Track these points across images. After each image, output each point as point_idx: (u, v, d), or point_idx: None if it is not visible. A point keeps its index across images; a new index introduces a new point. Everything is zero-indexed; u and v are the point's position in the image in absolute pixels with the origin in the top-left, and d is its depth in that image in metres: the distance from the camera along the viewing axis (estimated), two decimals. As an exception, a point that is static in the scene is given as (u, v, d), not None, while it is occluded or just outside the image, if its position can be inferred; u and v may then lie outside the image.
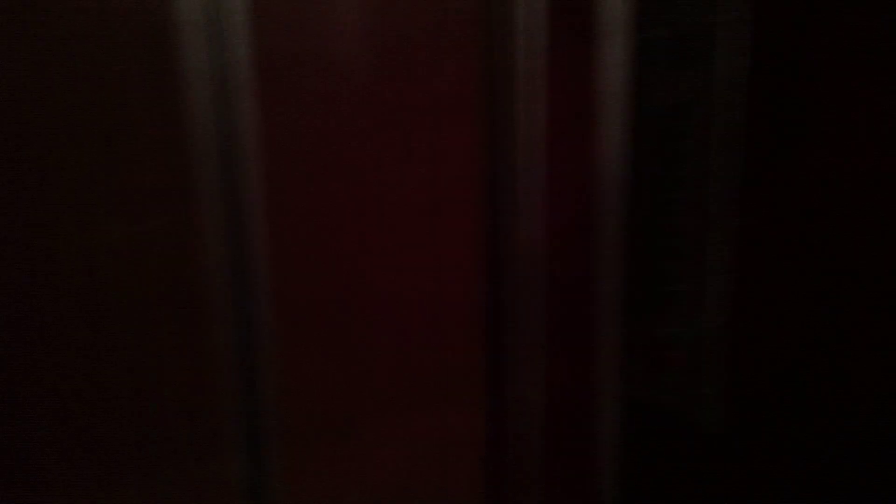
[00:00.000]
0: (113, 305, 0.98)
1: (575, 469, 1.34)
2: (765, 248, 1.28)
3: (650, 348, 1.39)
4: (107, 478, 1.01)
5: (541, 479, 1.31)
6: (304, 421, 1.14)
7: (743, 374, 1.30)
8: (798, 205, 1.25)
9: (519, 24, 1.18)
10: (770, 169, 1.28)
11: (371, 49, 1.12)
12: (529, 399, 1.28)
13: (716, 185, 1.27)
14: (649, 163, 1.40)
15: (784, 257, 1.26)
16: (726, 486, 1.32)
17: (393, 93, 1.15)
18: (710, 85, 1.30)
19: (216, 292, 1.03)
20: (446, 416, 1.28)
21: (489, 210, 1.27)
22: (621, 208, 1.27)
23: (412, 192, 1.19)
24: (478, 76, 1.22)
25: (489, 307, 1.29)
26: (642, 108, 1.29)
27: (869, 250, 1.31)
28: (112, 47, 0.94)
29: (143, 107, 0.97)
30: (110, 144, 0.95)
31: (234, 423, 1.07)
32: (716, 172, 1.27)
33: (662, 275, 1.37)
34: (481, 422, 1.31)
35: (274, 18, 1.03)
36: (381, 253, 1.17)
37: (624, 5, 1.21)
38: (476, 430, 1.31)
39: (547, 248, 1.25)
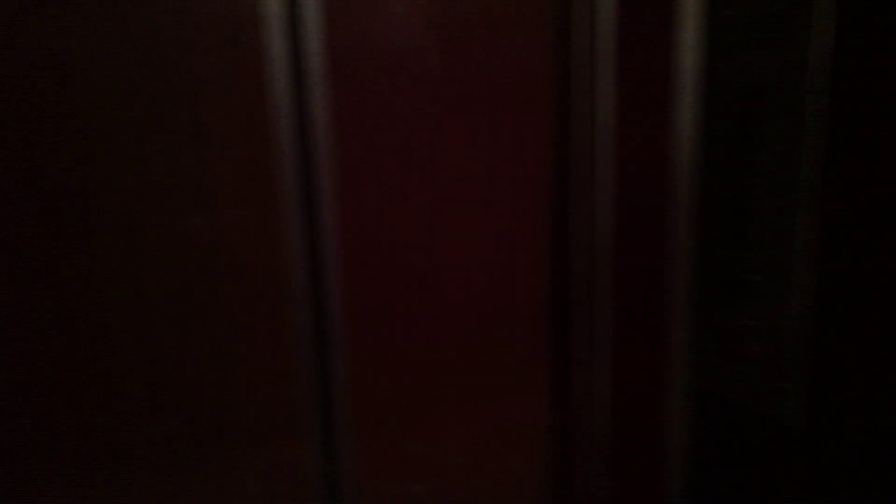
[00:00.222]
0: (193, 293, 1.02)
1: (642, 462, 1.32)
2: (851, 237, 1.22)
3: (725, 340, 1.34)
4: (187, 461, 1.05)
5: (606, 471, 1.29)
6: (375, 408, 1.16)
7: (827, 367, 1.24)
8: (888, 191, 1.18)
9: (594, 4, 1.16)
10: (857, 153, 1.21)
11: (442, 37, 1.12)
12: (596, 390, 1.26)
13: (798, 171, 1.21)
14: (725, 148, 1.35)
15: (872, 246, 1.19)
16: (806, 484, 1.27)
17: (463, 81, 1.14)
18: (791, 66, 1.24)
19: (291, 281, 1.06)
20: (513, 406, 1.27)
21: (558, 198, 1.25)
22: (695, 195, 1.23)
23: (481, 180, 1.19)
24: (549, 60, 1.20)
25: (557, 297, 1.28)
26: (719, 92, 1.24)
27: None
28: (196, 44, 0.97)
29: (225, 100, 0.99)
30: (194, 137, 0.98)
31: (309, 410, 1.09)
32: (799, 158, 1.21)
33: (739, 264, 1.32)
34: (547, 412, 1.30)
35: (347, 9, 1.04)
36: (451, 241, 1.18)
37: (700, -16, 1.17)
38: (542, 420, 1.30)
39: (617, 237, 1.22)
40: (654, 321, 1.27)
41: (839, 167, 1.22)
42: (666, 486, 1.33)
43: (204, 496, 1.07)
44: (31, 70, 0.90)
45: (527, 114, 1.20)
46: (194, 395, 1.04)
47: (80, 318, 0.96)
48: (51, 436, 0.97)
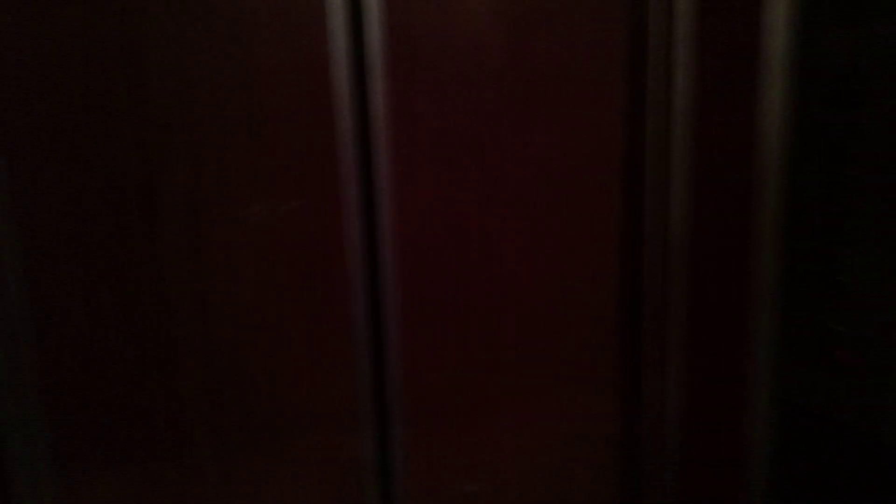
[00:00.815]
0: (252, 282, 1.02)
1: (717, 475, 1.22)
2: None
3: (815, 346, 1.23)
4: (244, 447, 1.06)
5: (677, 484, 1.21)
6: (430, 402, 1.13)
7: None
8: None
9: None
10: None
11: (508, 24, 1.07)
12: (668, 394, 1.18)
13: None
14: (820, 135, 1.23)
15: None
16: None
17: (530, 68, 1.09)
18: (891, 44, 1.10)
19: (348, 272, 1.04)
20: (577, 409, 1.21)
21: (630, 188, 1.17)
22: (783, 187, 1.12)
23: (548, 170, 1.13)
24: (623, 42, 1.12)
25: (627, 293, 1.20)
26: (813, 72, 1.13)
27: None
28: (259, 34, 0.96)
29: (287, 90, 0.99)
30: (256, 127, 0.98)
31: (363, 402, 1.08)
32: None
33: (832, 263, 1.20)
34: (614, 417, 1.23)
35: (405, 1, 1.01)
36: (512, 232, 1.13)
37: (793, -47, 1.06)
38: (607, 424, 1.23)
39: (694, 230, 1.14)
40: (734, 322, 1.18)
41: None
42: (744, 500, 1.23)
43: (259, 482, 1.08)
44: (107, 67, 0.92)
45: (598, 100, 1.13)
46: (251, 383, 1.05)
47: (146, 306, 0.99)
48: (121, 421, 1.00)
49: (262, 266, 1.02)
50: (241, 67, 0.97)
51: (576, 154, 1.14)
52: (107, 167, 0.94)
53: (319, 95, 1.00)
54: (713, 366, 1.18)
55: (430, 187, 1.08)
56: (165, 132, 0.95)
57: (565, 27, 1.10)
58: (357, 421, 1.08)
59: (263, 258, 1.02)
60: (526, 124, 1.11)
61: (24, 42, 0.89)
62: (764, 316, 1.15)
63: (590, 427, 1.22)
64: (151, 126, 0.95)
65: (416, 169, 1.06)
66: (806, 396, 1.21)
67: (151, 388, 1.01)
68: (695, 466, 1.21)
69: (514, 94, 1.10)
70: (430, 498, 1.15)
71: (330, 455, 1.09)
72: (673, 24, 1.08)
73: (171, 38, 0.94)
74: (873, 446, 1.16)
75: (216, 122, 0.97)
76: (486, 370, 1.16)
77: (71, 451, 0.99)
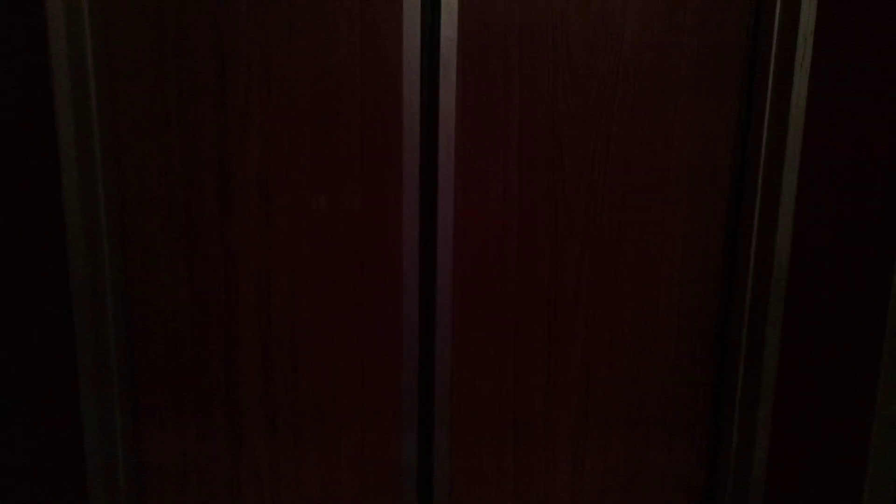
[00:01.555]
0: (310, 275, 1.04)
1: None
2: None
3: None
4: (292, 437, 1.08)
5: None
6: (478, 412, 1.08)
7: None
8: None
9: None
10: None
11: (594, 17, 0.98)
12: (754, 446, 1.02)
13: None
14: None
15: None
16: None
17: (621, 65, 0.99)
18: None
19: (404, 272, 1.02)
20: (641, 444, 1.09)
21: (731, 207, 1.03)
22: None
23: (634, 181, 1.02)
24: (738, 39, 0.98)
25: (719, 325, 1.06)
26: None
27: None
28: (334, 33, 0.97)
29: (357, 88, 0.99)
30: (327, 122, 1.00)
31: (409, 403, 1.06)
32: None
33: None
34: (684, 459, 1.09)
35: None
36: (588, 247, 1.04)
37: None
38: (676, 466, 1.10)
39: (800, 257, 0.97)
40: (846, 379, 0.99)
41: None
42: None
43: (303, 471, 1.10)
44: (197, 61, 0.99)
45: (704, 104, 1.00)
46: (302, 370, 1.07)
47: (215, 280, 1.04)
48: (185, 378, 1.08)
49: (321, 255, 1.03)
50: (316, 64, 0.98)
51: (669, 168, 1.02)
52: (191, 149, 1.01)
53: (389, 94, 0.99)
54: (810, 418, 1.00)
55: (497, 192, 1.02)
56: (243, 121, 1.00)
57: (666, 19, 0.98)
58: (401, 424, 1.06)
59: (323, 248, 1.03)
60: (610, 131, 1.01)
61: (133, 39, 0.98)
62: (884, 369, 0.95)
63: (660, 467, 1.10)
64: (231, 114, 1.00)
65: (483, 173, 1.01)
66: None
67: (213, 360, 1.07)
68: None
69: (601, 95, 1.00)
70: (465, 512, 1.10)
71: (372, 455, 1.08)
72: (799, 18, 0.92)
73: (254, 36, 0.98)
74: None
75: (288, 115, 1.00)
76: (546, 390, 1.08)
77: (135, 408, 1.09)
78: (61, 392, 1.01)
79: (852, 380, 0.98)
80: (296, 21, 0.97)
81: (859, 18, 0.91)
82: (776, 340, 0.98)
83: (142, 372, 1.07)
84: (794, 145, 0.94)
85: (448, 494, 1.08)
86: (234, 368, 1.07)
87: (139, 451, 1.09)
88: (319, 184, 1.02)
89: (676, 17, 0.98)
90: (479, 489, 1.10)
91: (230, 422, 1.08)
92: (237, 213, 1.02)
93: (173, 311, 1.05)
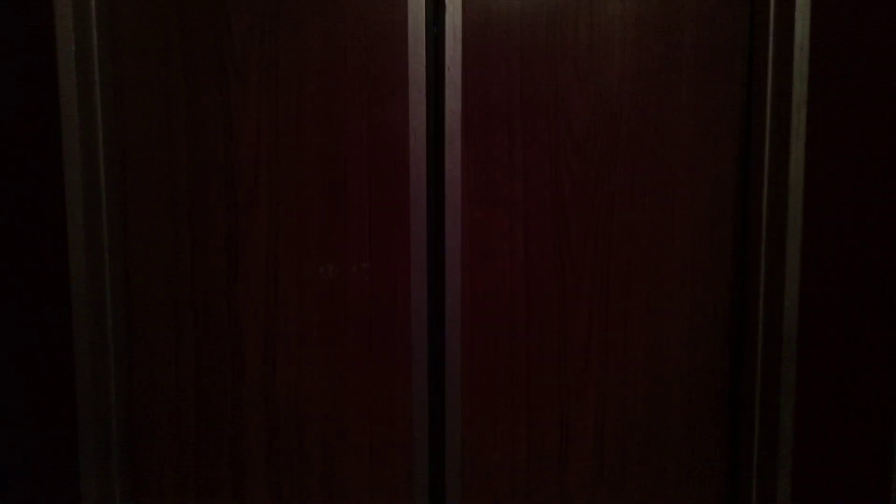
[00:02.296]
0: (318, 342, 1.04)
1: None
2: None
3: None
4: (294, 496, 1.06)
5: None
6: (495, 483, 1.06)
7: None
8: None
9: (790, 41, 0.95)
10: None
11: (594, 89, 1.01)
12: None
13: None
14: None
15: None
16: None
17: (622, 135, 1.02)
18: None
19: (412, 339, 1.02)
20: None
21: (736, 266, 1.03)
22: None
23: (640, 248, 1.03)
24: (733, 108, 1.01)
25: (730, 387, 1.05)
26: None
27: None
28: (341, 104, 1.00)
29: (365, 158, 1.01)
30: (335, 192, 1.02)
31: (419, 475, 1.04)
32: None
33: None
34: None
35: (486, 71, 0.99)
36: (598, 315, 1.04)
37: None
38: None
39: (809, 322, 0.96)
40: (864, 441, 0.97)
41: None
42: None
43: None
44: (206, 133, 1.02)
45: (704, 171, 1.02)
46: (308, 436, 1.05)
47: (221, 346, 1.04)
48: (187, 445, 1.06)
49: (328, 322, 1.04)
50: (325, 135, 1.01)
51: (673, 231, 1.03)
52: (200, 216, 1.03)
53: (397, 164, 1.01)
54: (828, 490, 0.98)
55: (502, 259, 1.03)
56: (252, 192, 1.02)
57: (665, 91, 1.01)
58: (411, 491, 1.04)
59: (331, 314, 1.03)
60: (614, 197, 1.03)
61: (143, 120, 1.01)
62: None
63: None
64: (240, 186, 1.02)
65: (488, 240, 1.02)
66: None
67: (217, 419, 1.05)
68: None
69: (601, 164, 1.02)
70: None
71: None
72: (791, 87, 0.95)
73: (264, 107, 1.01)
74: None
75: (297, 184, 1.02)
76: (558, 457, 1.07)
77: (139, 463, 1.07)
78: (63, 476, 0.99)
79: (873, 448, 0.96)
80: (305, 97, 1.00)
81: (854, 88, 0.94)
82: (790, 400, 0.97)
83: (143, 450, 1.06)
84: (795, 207, 0.95)
85: (461, 569, 1.05)
86: (239, 430, 1.06)
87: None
88: (327, 251, 1.03)
89: (676, 88, 1.01)
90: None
91: (235, 494, 1.07)
92: (245, 281, 1.03)
93: (181, 378, 1.05)
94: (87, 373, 0.97)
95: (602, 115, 1.02)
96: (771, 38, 0.98)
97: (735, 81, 1.02)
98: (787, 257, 0.95)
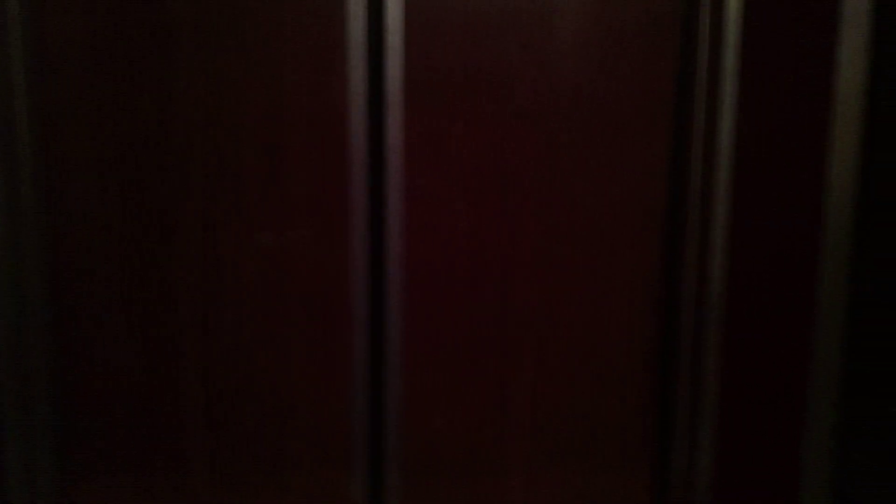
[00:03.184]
0: (257, 309, 1.03)
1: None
2: None
3: (884, 436, 1.03)
4: (239, 475, 1.06)
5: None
6: (431, 450, 1.07)
7: None
8: None
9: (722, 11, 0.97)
10: None
11: (537, 59, 1.01)
12: (697, 469, 1.04)
13: None
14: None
15: None
16: None
17: (562, 106, 1.02)
18: None
19: (353, 306, 1.02)
20: (592, 473, 1.10)
21: (669, 241, 1.06)
22: (848, 244, 0.97)
23: (578, 216, 1.05)
24: (667, 81, 1.03)
25: (659, 353, 1.09)
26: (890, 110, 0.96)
27: None
28: (282, 66, 0.98)
29: (305, 122, 0.99)
30: (274, 157, 1.00)
31: (359, 441, 1.05)
32: None
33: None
34: (639, 487, 1.11)
35: (429, 35, 0.98)
36: (535, 281, 1.06)
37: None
38: (632, 494, 1.11)
39: (739, 289, 1.00)
40: (781, 400, 1.02)
41: None
42: None
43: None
44: (138, 90, 0.98)
45: (638, 142, 1.04)
46: (249, 407, 1.05)
47: (156, 318, 1.02)
48: (122, 430, 1.04)
49: (267, 290, 1.02)
50: (264, 99, 0.99)
51: (611, 201, 1.05)
52: (131, 184, 0.99)
53: (336, 129, 0.99)
54: (749, 448, 1.03)
55: (445, 227, 1.03)
56: (186, 156, 0.99)
57: (603, 63, 1.02)
58: (351, 461, 1.05)
59: (269, 283, 1.02)
60: (555, 167, 1.04)
61: (70, 78, 0.97)
62: (819, 398, 0.99)
63: (607, 495, 1.11)
64: (174, 149, 0.99)
65: (430, 208, 1.03)
66: (871, 495, 1.02)
67: (153, 398, 1.04)
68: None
69: (544, 134, 1.03)
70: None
71: (322, 491, 1.06)
72: (721, 59, 0.97)
73: (201, 67, 0.98)
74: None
75: (234, 149, 1.00)
76: (498, 426, 1.09)
77: (68, 455, 1.04)
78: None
79: (790, 409, 1.01)
80: (242, 58, 0.98)
81: (781, 63, 0.97)
82: (715, 364, 1.02)
83: (73, 433, 1.03)
84: (723, 177, 0.99)
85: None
86: (176, 406, 1.04)
87: None
88: (265, 218, 1.01)
89: (613, 60, 1.03)
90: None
91: (173, 466, 1.05)
92: (180, 249, 1.01)
93: (110, 356, 1.02)
94: (6, 357, 0.94)
95: (544, 85, 1.03)
96: (709, 11, 1.00)
97: (670, 54, 1.03)
98: (715, 225, 0.99)
